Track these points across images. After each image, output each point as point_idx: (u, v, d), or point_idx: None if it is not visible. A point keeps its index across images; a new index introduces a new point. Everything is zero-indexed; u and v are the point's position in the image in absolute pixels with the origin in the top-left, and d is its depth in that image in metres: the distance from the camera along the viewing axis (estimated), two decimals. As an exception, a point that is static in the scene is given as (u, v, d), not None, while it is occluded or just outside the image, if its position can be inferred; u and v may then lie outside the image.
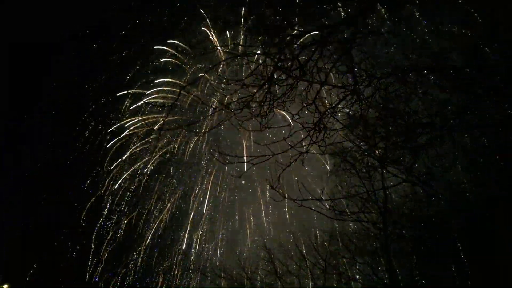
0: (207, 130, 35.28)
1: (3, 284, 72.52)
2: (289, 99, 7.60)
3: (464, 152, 14.16)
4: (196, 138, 42.28)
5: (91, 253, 41.15)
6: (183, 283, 39.05)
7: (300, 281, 21.29)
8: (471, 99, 9.71)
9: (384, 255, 17.22)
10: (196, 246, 40.55)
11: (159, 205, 42.49)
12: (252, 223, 40.18)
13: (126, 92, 42.80)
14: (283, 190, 8.74)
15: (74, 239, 42.45)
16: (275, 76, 7.87)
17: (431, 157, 11.24)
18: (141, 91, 42.53)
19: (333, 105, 7.91)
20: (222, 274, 23.34)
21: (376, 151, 15.16)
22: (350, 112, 9.46)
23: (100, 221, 42.29)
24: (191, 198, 42.36)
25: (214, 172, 43.52)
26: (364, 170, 16.20)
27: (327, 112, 7.90)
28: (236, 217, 42.51)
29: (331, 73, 8.10)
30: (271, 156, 7.91)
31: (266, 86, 7.85)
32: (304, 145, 7.82)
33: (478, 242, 15.97)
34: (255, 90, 7.85)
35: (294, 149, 7.90)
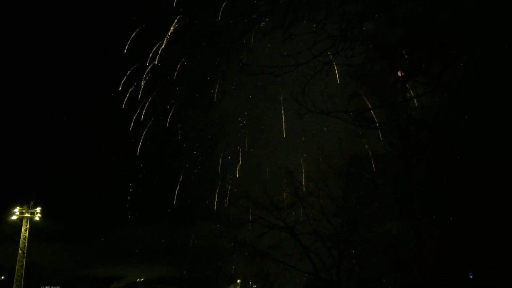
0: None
1: (36, 207, 76.14)
2: (314, 6, 7.36)
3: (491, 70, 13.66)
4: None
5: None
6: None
7: (321, 201, 21.78)
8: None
9: (405, 176, 17.26)
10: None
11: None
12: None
13: None
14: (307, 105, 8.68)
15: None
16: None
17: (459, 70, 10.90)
18: None
19: (360, 14, 7.65)
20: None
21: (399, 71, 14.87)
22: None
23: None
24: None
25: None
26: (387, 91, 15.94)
27: (353, 20, 7.65)
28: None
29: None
30: (294, 66, 7.79)
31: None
32: (329, 54, 7.66)
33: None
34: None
35: (318, 60, 7.75)
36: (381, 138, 17.05)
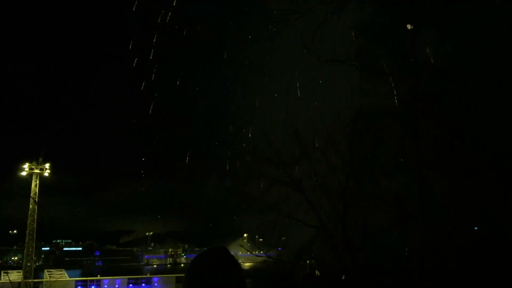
0: None
1: (45, 163, 77.11)
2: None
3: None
4: None
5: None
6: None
7: (327, 157, 21.86)
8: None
9: (413, 130, 17.21)
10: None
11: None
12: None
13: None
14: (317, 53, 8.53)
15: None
16: None
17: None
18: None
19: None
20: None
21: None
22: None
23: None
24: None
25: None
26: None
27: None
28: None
29: None
30: (305, 12, 7.60)
31: None
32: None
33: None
34: None
35: (329, 5, 7.56)
36: (390, 92, 16.89)
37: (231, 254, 2.60)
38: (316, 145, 22.52)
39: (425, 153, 17.38)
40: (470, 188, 15.53)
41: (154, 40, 62.69)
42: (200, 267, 2.55)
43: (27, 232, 79.76)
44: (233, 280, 2.52)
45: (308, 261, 25.24)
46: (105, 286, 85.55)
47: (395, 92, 18.17)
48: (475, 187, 15.07)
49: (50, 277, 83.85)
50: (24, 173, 75.78)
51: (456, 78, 15.70)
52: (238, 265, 2.61)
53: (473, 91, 15.35)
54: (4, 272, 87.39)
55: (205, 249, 2.67)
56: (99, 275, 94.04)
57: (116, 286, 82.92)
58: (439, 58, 15.34)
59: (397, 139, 19.98)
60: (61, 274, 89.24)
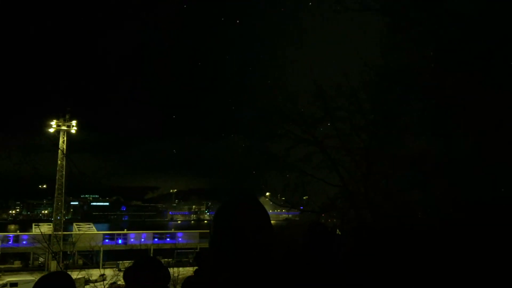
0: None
1: (72, 120, 78.73)
2: None
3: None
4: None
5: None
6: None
7: (350, 116, 21.63)
8: None
9: (438, 91, 16.79)
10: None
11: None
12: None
13: None
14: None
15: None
16: None
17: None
18: None
19: None
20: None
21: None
22: None
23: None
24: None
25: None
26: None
27: None
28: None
29: None
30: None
31: None
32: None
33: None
34: None
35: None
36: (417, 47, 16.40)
37: (259, 201, 2.54)
38: (339, 103, 22.25)
39: (451, 111, 17.02)
40: (497, 149, 15.20)
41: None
42: (227, 212, 2.46)
43: (56, 186, 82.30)
44: (262, 228, 2.44)
45: (329, 220, 25.44)
46: (132, 240, 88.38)
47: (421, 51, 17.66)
48: (503, 147, 14.73)
49: (79, 230, 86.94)
50: (51, 130, 77.51)
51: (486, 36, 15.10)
52: (266, 213, 2.55)
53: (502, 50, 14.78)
54: (35, 225, 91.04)
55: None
56: (125, 229, 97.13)
57: (142, 240, 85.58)
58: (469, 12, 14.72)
59: (422, 99, 19.57)
60: (89, 227, 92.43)
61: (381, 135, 20.84)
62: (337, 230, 24.98)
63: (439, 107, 17.72)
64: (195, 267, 5.62)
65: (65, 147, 78.76)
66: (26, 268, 74.92)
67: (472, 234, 11.59)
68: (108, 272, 53.07)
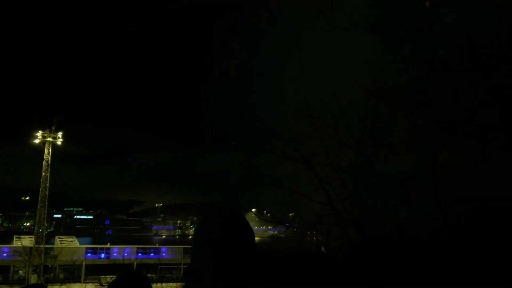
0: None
1: (58, 131, 77.79)
2: None
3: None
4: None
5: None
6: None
7: (338, 133, 21.65)
8: None
9: (426, 109, 16.93)
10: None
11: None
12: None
13: None
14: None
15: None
16: None
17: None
18: None
19: None
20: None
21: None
22: None
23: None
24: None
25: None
26: None
27: None
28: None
29: None
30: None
31: None
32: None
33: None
34: None
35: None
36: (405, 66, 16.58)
37: (241, 213, 2.48)
38: (327, 121, 22.29)
39: (438, 132, 17.16)
40: (483, 170, 15.31)
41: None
42: (209, 225, 2.41)
43: (39, 199, 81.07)
44: (243, 238, 2.39)
45: (314, 238, 25.34)
46: (115, 254, 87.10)
47: (409, 70, 17.86)
48: (489, 168, 14.85)
49: (61, 243, 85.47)
50: (37, 141, 76.62)
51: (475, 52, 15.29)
52: (248, 224, 2.50)
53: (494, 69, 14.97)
54: (16, 237, 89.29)
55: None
56: (109, 244, 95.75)
57: (125, 254, 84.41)
58: (458, 30, 14.92)
59: (410, 117, 19.71)
60: (72, 241, 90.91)
61: (368, 153, 20.88)
62: (322, 248, 24.87)
63: (426, 126, 17.85)
64: (180, 283, 5.47)
65: (49, 159, 77.83)
66: (5, 281, 73.27)
67: (459, 251, 11.60)
68: (90, 287, 52.17)
